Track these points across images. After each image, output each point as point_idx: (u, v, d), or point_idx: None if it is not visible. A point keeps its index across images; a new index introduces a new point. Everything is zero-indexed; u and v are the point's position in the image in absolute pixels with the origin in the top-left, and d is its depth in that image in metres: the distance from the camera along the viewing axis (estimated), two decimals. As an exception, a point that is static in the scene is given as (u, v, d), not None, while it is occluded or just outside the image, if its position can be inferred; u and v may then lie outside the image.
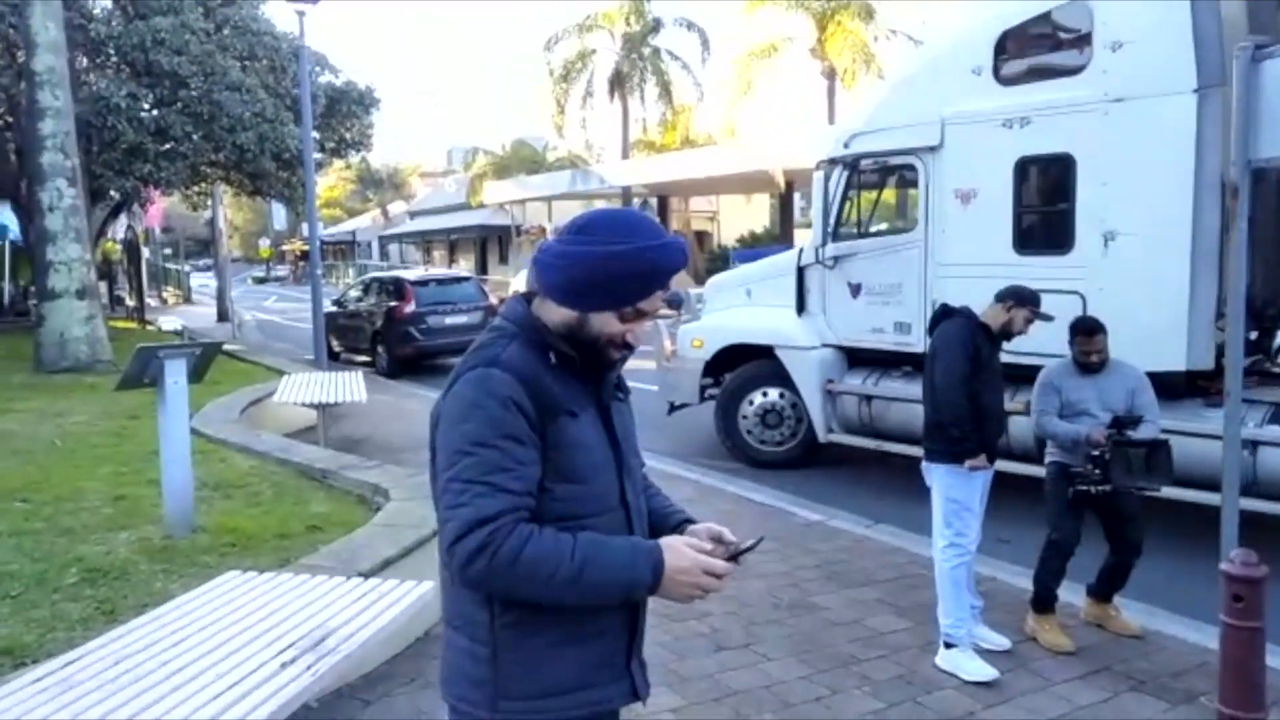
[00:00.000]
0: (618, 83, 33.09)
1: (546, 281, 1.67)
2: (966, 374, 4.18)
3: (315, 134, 18.84)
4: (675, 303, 10.24)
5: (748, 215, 36.60)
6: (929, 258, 6.87)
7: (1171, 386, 5.61)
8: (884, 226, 7.72)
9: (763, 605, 4.85)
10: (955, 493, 4.24)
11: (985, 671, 3.98)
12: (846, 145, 7.38)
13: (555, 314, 1.67)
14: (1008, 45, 6.48)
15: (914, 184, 7.02)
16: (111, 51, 16.60)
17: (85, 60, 17.28)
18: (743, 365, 8.32)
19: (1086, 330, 4.45)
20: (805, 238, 26.34)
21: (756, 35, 28.60)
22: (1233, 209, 3.77)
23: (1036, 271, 6.09)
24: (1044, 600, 4.43)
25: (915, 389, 6.77)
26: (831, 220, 7.49)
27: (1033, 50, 6.60)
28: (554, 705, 1.64)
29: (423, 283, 15.76)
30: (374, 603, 3.35)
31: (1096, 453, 4.23)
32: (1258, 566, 2.72)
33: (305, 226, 18.59)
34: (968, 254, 6.59)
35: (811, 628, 4.57)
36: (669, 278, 1.67)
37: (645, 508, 1.82)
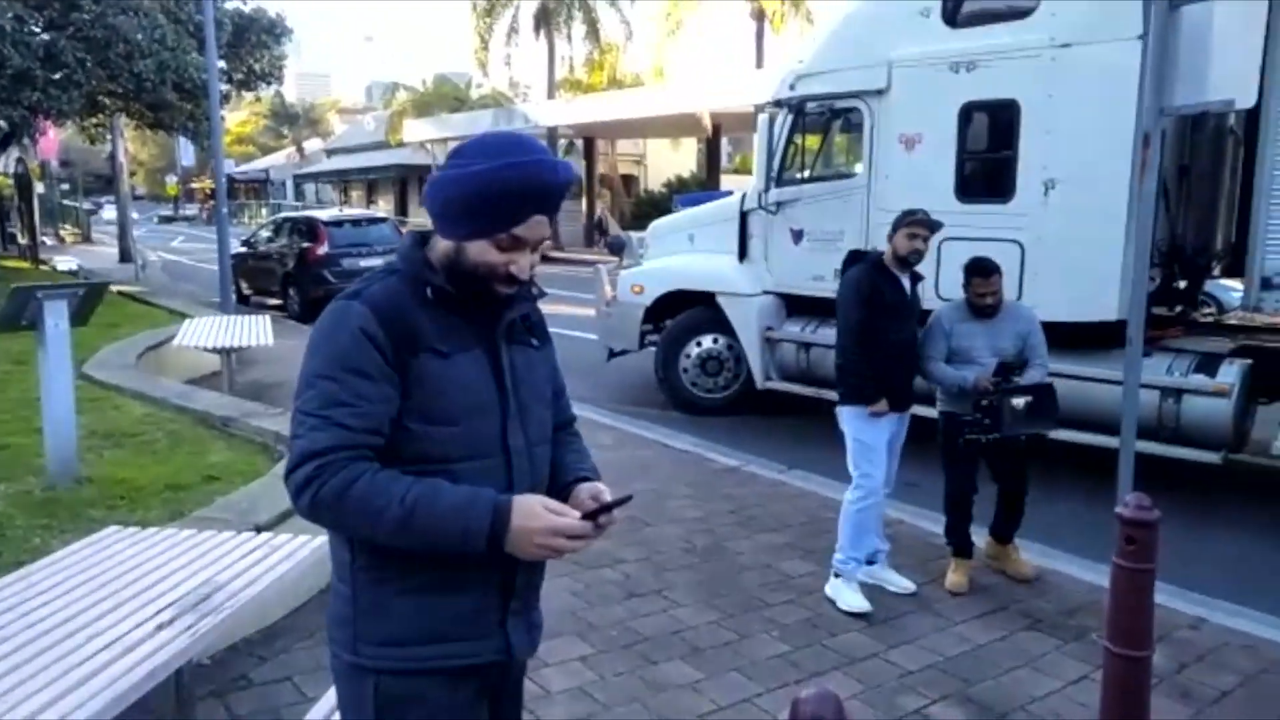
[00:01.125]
0: (544, 19, 32.09)
1: (429, 211, 1.61)
2: (860, 318, 4.19)
3: (221, 64, 17.85)
4: (617, 247, 10.09)
5: (675, 159, 36.32)
6: (871, 204, 6.79)
7: (1106, 335, 5.68)
8: (828, 171, 7.64)
9: (675, 551, 4.85)
10: (861, 434, 4.26)
11: (860, 603, 4.10)
12: (792, 87, 7.24)
13: (439, 246, 1.60)
14: None
15: (859, 128, 6.90)
16: (-7, -32, 15.34)
17: (-36, -22, 15.96)
18: (684, 312, 8.23)
19: (982, 271, 4.34)
20: (732, 183, 26.16)
21: (685, -26, 28.08)
22: (1145, 157, 3.76)
23: (977, 220, 6.12)
24: (957, 548, 4.49)
25: None
26: (775, 165, 7.37)
27: None
28: (408, 654, 1.59)
29: (337, 223, 15.22)
30: (266, 556, 3.20)
31: (985, 402, 4.21)
32: (1151, 510, 2.76)
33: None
34: (910, 201, 6.37)
35: (723, 572, 4.58)
36: (544, 199, 1.55)
37: (545, 458, 1.72)
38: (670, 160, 36.18)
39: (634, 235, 9.74)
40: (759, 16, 27.93)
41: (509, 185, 1.51)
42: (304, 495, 1.48)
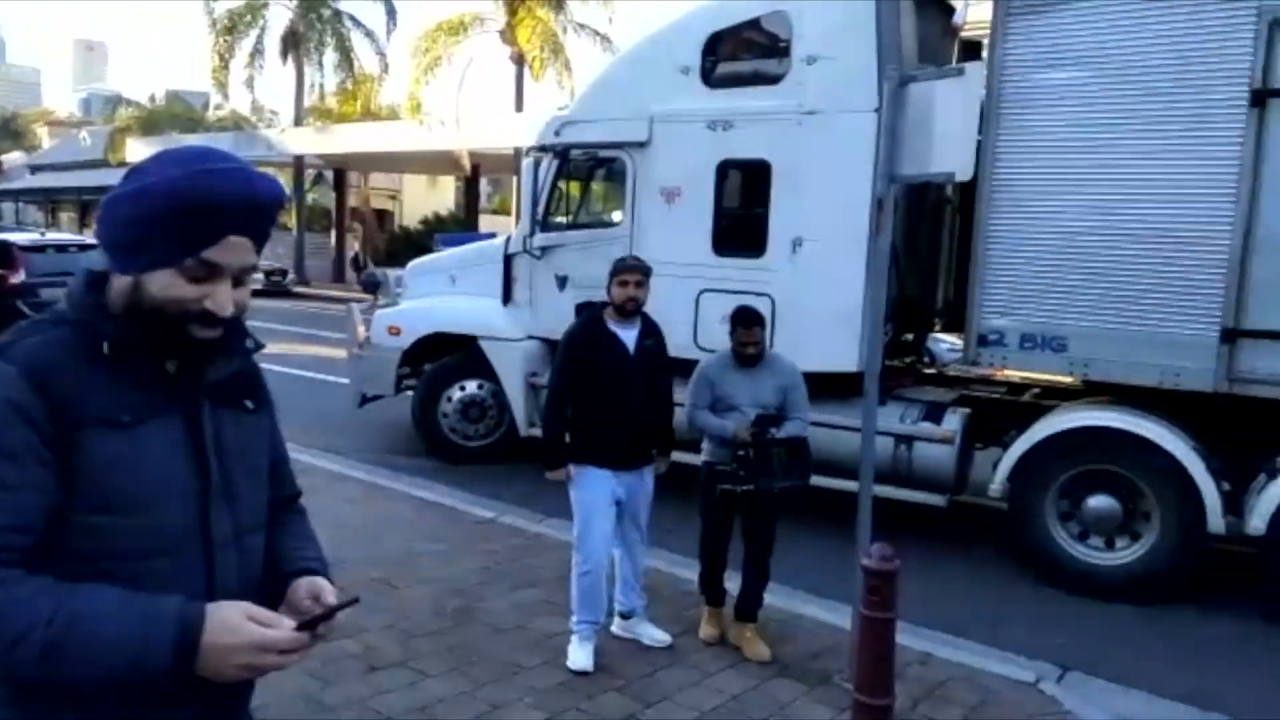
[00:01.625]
0: (293, 43, 30.42)
1: (101, 242, 1.31)
2: (558, 377, 4.24)
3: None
4: (371, 285, 9.50)
5: (433, 197, 35.63)
6: (633, 253, 6.86)
7: (846, 385, 5.97)
8: (592, 219, 7.63)
9: (424, 615, 4.52)
10: (578, 498, 4.19)
11: (581, 661, 4.01)
12: (558, 133, 7.20)
13: (116, 285, 1.30)
14: (715, 48, 6.56)
15: (622, 178, 6.96)
16: None
17: None
18: (444, 356, 7.90)
19: (745, 321, 4.37)
20: (491, 223, 26.02)
21: (446, 10, 27.80)
22: (878, 221, 4.00)
23: (732, 273, 6.34)
24: (710, 598, 4.50)
25: None
26: (540, 209, 7.28)
27: (738, 55, 6.76)
28: None
29: (38, 248, 13.43)
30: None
31: (741, 452, 4.20)
32: (892, 560, 2.87)
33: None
34: (670, 252, 6.48)
35: (475, 636, 4.32)
36: (242, 216, 1.29)
37: (258, 547, 1.44)
38: (428, 198, 35.44)
39: (390, 273, 9.25)
40: (519, 61, 28.10)
41: (196, 198, 1.24)
42: None
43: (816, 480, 5.95)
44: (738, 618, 4.42)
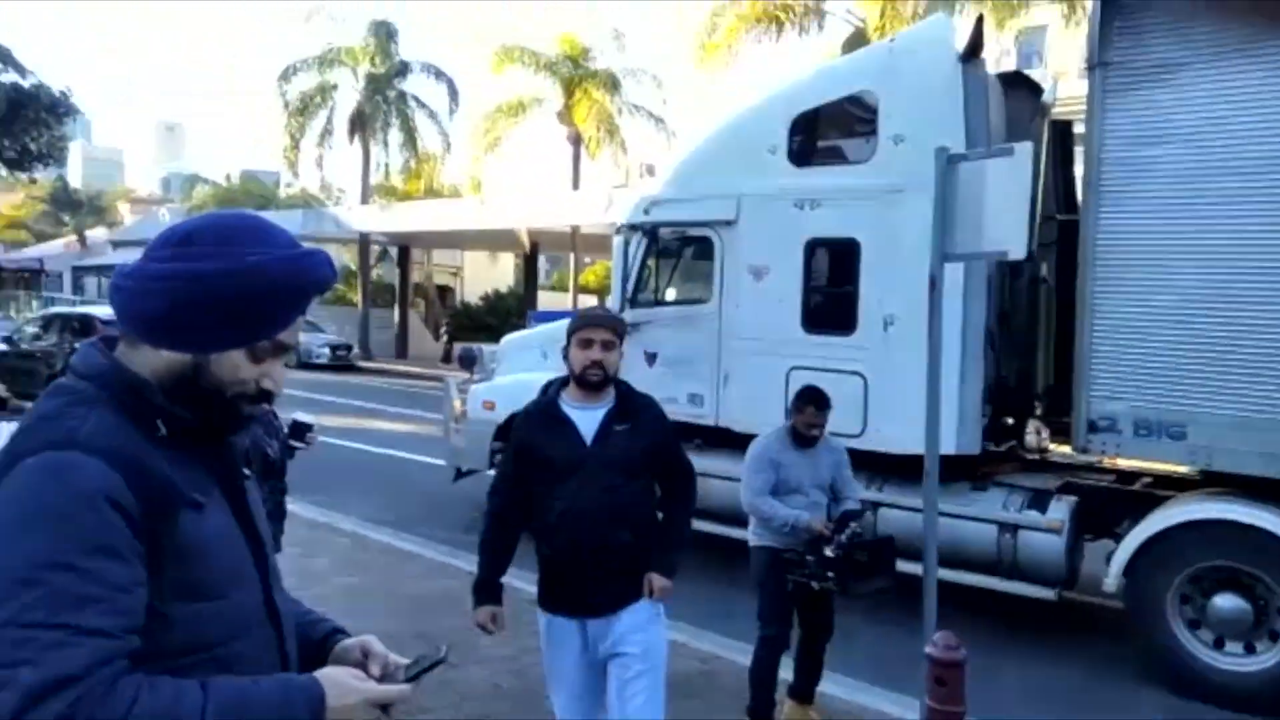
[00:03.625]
0: (360, 123, 31.74)
1: (138, 315, 1.23)
2: (501, 481, 3.17)
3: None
4: (469, 359, 9.68)
5: (493, 273, 36.39)
6: (722, 330, 6.85)
7: (941, 469, 5.88)
8: (681, 296, 7.63)
9: (483, 696, 4.47)
10: (544, 653, 3.14)
11: None
12: (647, 211, 7.28)
13: (155, 362, 1.24)
14: (802, 127, 6.59)
15: (710, 256, 6.99)
16: None
17: None
18: None
19: (818, 403, 4.21)
20: (550, 299, 26.41)
21: (506, 92, 28.84)
22: (931, 300, 3.96)
23: (822, 350, 6.24)
24: (763, 707, 4.12)
25: (707, 462, 6.63)
26: (630, 287, 7.33)
27: (825, 135, 6.78)
28: None
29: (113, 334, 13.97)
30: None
31: (830, 551, 3.97)
32: (958, 650, 2.78)
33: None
34: (759, 329, 6.61)
35: (536, 718, 4.25)
36: (310, 299, 1.32)
37: (293, 615, 1.44)
38: (488, 273, 36.20)
39: (485, 349, 9.43)
40: (576, 141, 28.92)
41: (286, 282, 1.24)
42: None
43: (905, 566, 5.83)
44: (801, 700, 4.29)
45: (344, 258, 35.87)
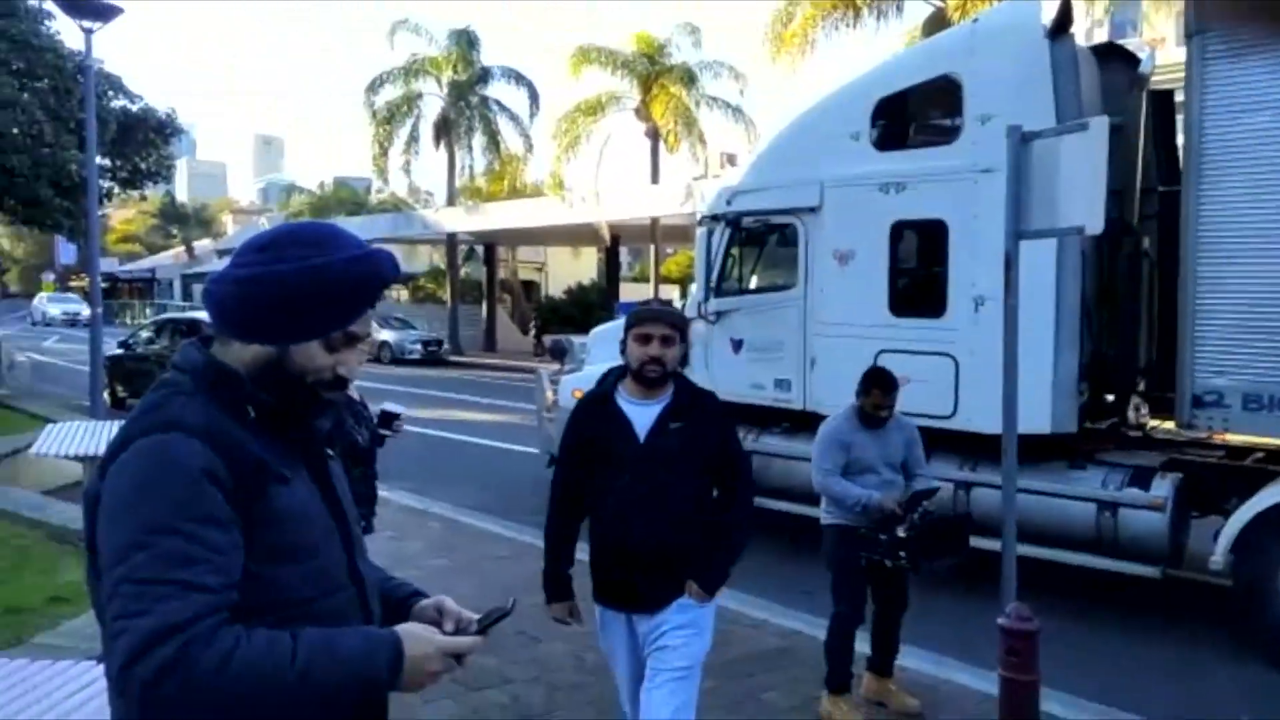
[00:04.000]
0: (444, 129, 32.51)
1: (228, 314, 1.40)
2: (563, 473, 3.13)
3: (105, 161, 17.38)
4: (560, 350, 9.98)
5: (576, 267, 36.86)
6: (808, 316, 6.88)
7: (1036, 448, 5.72)
8: (765, 283, 7.68)
9: (567, 669, 4.63)
10: (602, 644, 3.18)
11: None
12: (729, 202, 7.37)
13: (243, 355, 1.40)
14: (885, 112, 6.57)
15: (794, 243, 7.02)
16: None
17: None
18: None
19: (886, 385, 4.23)
20: (632, 291, 26.52)
21: (584, 92, 29.14)
22: (1007, 278, 3.94)
23: (911, 334, 6.22)
24: (840, 678, 4.16)
25: (794, 445, 6.80)
26: (714, 275, 7.44)
27: (909, 119, 6.75)
28: None
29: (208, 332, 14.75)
30: (102, 692, 2.90)
31: (903, 531, 3.98)
32: (1030, 621, 2.80)
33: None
34: (845, 314, 6.62)
35: (615, 691, 4.39)
36: (381, 292, 1.48)
37: (375, 578, 1.59)
38: (571, 268, 36.69)
39: (575, 339, 9.69)
40: (654, 135, 29.03)
41: (351, 281, 1.39)
42: (166, 684, 1.18)
43: (995, 545, 5.80)
44: (880, 673, 4.35)
45: (433, 258, 36.85)
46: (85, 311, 27.91)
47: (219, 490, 1.28)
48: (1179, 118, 5.99)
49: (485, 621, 1.48)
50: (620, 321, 11.14)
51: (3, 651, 3.71)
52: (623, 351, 2.95)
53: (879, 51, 27.47)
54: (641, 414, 2.90)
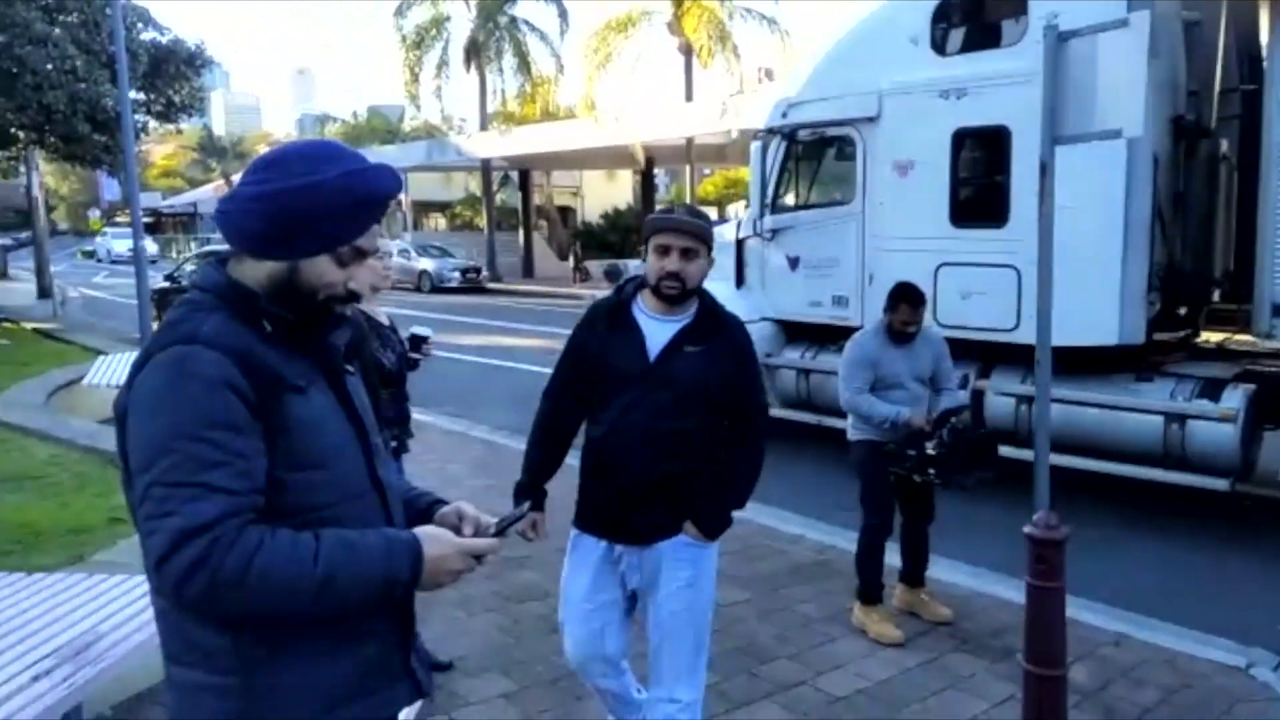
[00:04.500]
0: (474, 52, 31.97)
1: (241, 232, 1.42)
2: (557, 377, 2.78)
3: (139, 95, 17.43)
4: (614, 273, 10.01)
5: (612, 191, 36.55)
6: (866, 230, 6.73)
7: (1102, 360, 5.64)
8: (822, 199, 7.52)
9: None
10: (563, 573, 2.83)
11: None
12: (784, 115, 7.23)
13: (258, 271, 1.43)
14: (946, 14, 6.34)
15: (851, 156, 6.84)
16: (-108, -5, 14.80)
17: None
18: None
19: (915, 300, 4.18)
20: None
21: (615, 8, 28.45)
22: (1043, 186, 3.82)
23: (972, 245, 6.07)
24: (871, 589, 4.18)
25: None
26: (769, 192, 7.32)
27: (970, 20, 6.46)
28: None
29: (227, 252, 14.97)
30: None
31: (931, 448, 3.97)
32: (1058, 529, 2.78)
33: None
34: (905, 227, 6.47)
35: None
36: (384, 205, 1.49)
37: (399, 486, 1.65)
38: (607, 192, 36.38)
39: (630, 264, 9.68)
40: (687, 51, 28.29)
41: (353, 195, 1.42)
42: (195, 580, 1.24)
43: (1063, 460, 5.70)
44: (912, 584, 4.37)
45: (469, 185, 36.70)
46: (152, 247, 28.38)
47: (239, 399, 1.32)
48: (1263, 11, 5.67)
49: (502, 525, 1.55)
50: None
51: (67, 568, 3.88)
52: (644, 260, 2.65)
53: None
54: (658, 330, 2.59)
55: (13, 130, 17.40)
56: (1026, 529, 2.86)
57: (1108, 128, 3.59)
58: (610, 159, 29.97)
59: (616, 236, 31.41)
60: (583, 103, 30.69)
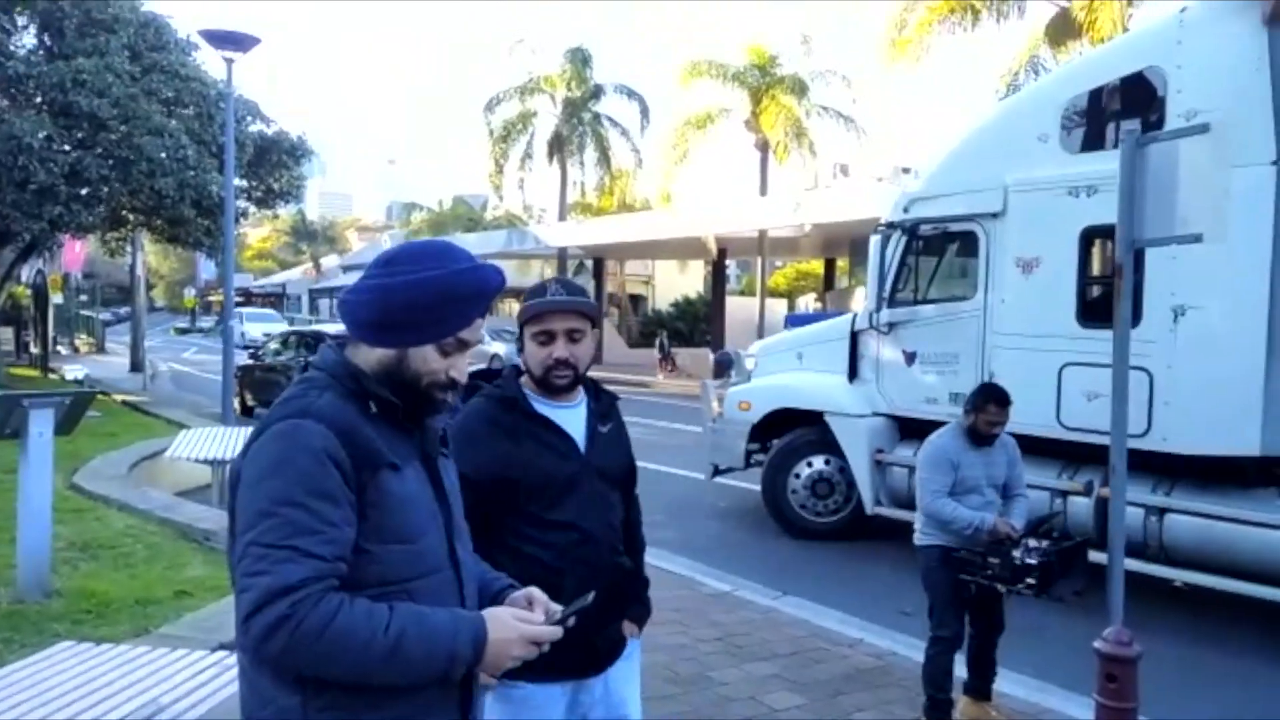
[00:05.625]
0: (557, 145, 33.29)
1: (356, 321, 1.58)
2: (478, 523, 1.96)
3: (241, 182, 18.49)
4: (725, 363, 10.18)
5: (682, 281, 36.98)
6: (988, 327, 6.69)
7: (1243, 471, 5.43)
8: (942, 294, 7.51)
9: (658, 680, 4.62)
10: None
11: None
12: (906, 210, 7.23)
13: (370, 357, 1.57)
14: (1076, 112, 6.31)
15: (974, 251, 6.84)
16: (31, 90, 16.14)
17: (1, 99, 16.77)
18: (792, 431, 8.02)
19: (1002, 401, 4.10)
20: (738, 305, 26.38)
21: (694, 105, 29.25)
22: (1118, 288, 3.77)
23: (1100, 345, 5.74)
24: (942, 709, 4.03)
25: None
26: (888, 286, 7.30)
27: (1103, 118, 6.34)
28: None
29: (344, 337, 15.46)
30: (218, 676, 3.07)
31: (1030, 557, 3.86)
32: (1130, 646, 2.66)
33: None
34: (1028, 324, 6.42)
35: (706, 704, 4.36)
36: (489, 301, 1.61)
37: (475, 568, 1.72)
38: (677, 281, 36.82)
39: (741, 352, 9.83)
40: (764, 147, 28.87)
41: (460, 291, 1.54)
42: (277, 637, 1.36)
43: (1202, 579, 5.52)
44: (977, 698, 4.20)
45: (545, 272, 37.60)
46: (283, 327, 29.12)
47: (338, 471, 1.44)
48: None
49: (567, 613, 1.60)
50: (786, 334, 11.00)
51: (132, 639, 3.98)
52: (520, 350, 2.31)
53: (999, 53, 26.61)
54: (569, 418, 2.27)
55: (124, 213, 18.59)
56: (1097, 644, 2.74)
57: (1188, 231, 3.54)
58: (683, 249, 30.44)
59: (685, 324, 31.62)
60: (659, 195, 31.45)
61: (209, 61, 18.22)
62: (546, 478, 2.20)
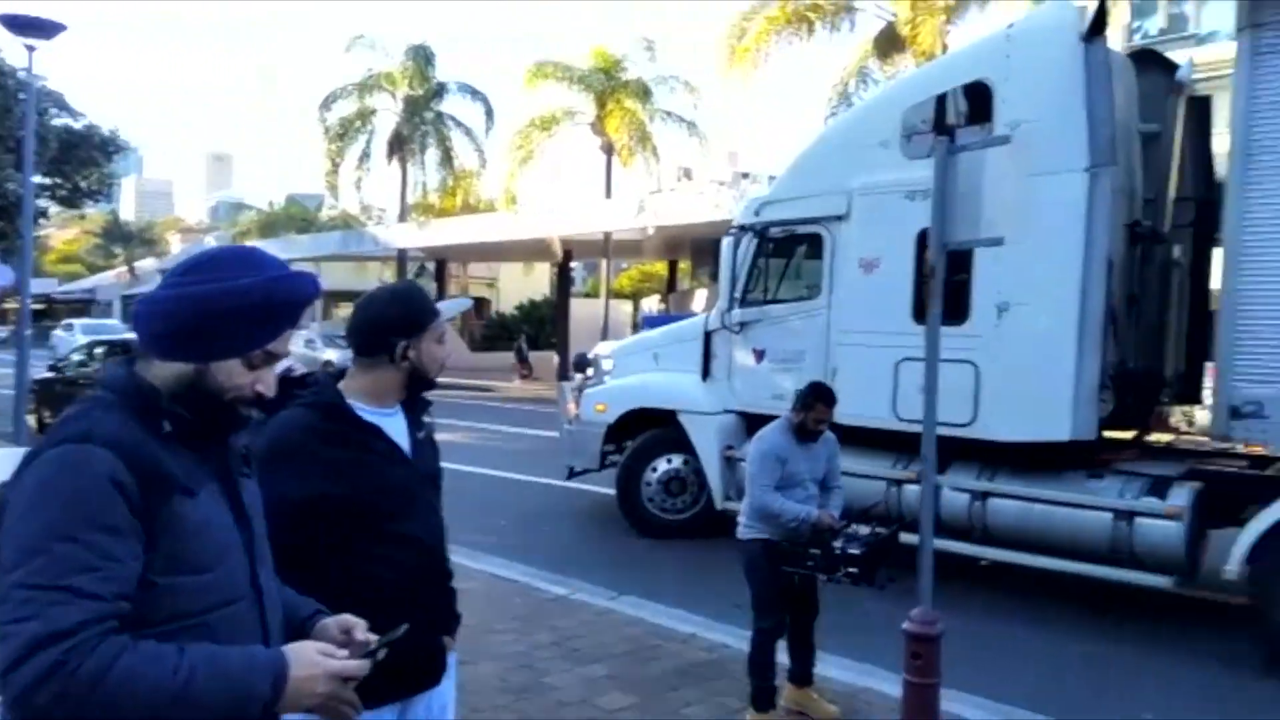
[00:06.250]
0: (398, 145, 32.24)
1: (152, 333, 1.44)
2: (292, 531, 1.83)
3: (44, 180, 17.00)
4: (582, 365, 10.06)
5: (528, 283, 36.77)
6: (831, 325, 6.93)
7: (1054, 456, 5.75)
8: (790, 294, 7.78)
9: (490, 690, 4.54)
10: None
11: None
12: (757, 213, 7.42)
13: (165, 372, 1.43)
14: (915, 121, 6.57)
15: (820, 253, 7.06)
16: None
17: None
18: (647, 431, 8.10)
19: (829, 400, 4.25)
20: (583, 306, 26.40)
21: (540, 107, 29.12)
22: (928, 289, 3.96)
23: None
24: (766, 695, 4.14)
25: None
26: (739, 287, 7.46)
27: (939, 127, 6.63)
28: None
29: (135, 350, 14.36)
30: None
31: (839, 548, 3.99)
32: (934, 625, 2.82)
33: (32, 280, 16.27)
34: (868, 322, 6.67)
35: (539, 712, 4.33)
36: (301, 312, 1.52)
37: (278, 594, 1.60)
38: (523, 284, 36.57)
39: (599, 354, 9.73)
40: (609, 150, 29.09)
41: (273, 301, 1.44)
42: (47, 687, 1.20)
43: (1012, 557, 5.92)
44: (800, 683, 4.35)
45: (383, 275, 36.50)
46: (129, 335, 26.07)
47: (124, 499, 1.30)
48: (1215, 125, 6.05)
49: (378, 644, 1.51)
50: (642, 335, 11.02)
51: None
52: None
53: (834, 63, 27.88)
54: (390, 425, 2.09)
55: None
56: (904, 625, 2.89)
57: (991, 234, 3.79)
58: (528, 251, 30.19)
59: (531, 327, 31.49)
60: (504, 197, 31.12)
61: (8, 49, 16.65)
62: (387, 488, 2.02)
